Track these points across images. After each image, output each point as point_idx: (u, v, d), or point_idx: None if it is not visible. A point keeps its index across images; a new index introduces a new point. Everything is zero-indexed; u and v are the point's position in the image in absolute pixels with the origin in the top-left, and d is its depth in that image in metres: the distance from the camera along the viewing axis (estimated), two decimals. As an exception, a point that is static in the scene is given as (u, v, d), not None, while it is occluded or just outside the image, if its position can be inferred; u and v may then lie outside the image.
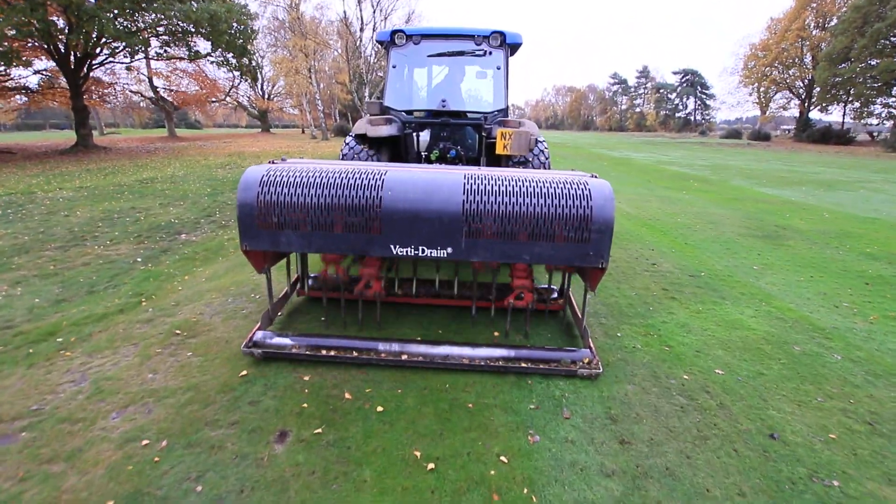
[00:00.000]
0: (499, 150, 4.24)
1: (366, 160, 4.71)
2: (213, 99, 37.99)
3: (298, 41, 32.01)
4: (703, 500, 2.01)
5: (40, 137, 36.11)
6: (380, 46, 7.16)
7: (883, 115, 37.59)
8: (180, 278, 4.71)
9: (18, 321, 3.63)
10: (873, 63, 33.74)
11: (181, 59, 24.15)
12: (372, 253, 2.80)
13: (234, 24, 20.15)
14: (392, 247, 2.76)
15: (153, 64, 30.23)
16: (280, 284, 3.98)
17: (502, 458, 2.21)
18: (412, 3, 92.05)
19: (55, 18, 16.78)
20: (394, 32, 4.93)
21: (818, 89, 40.25)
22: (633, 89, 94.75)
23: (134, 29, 18.19)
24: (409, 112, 4.93)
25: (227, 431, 2.35)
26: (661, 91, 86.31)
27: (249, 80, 34.36)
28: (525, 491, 2.02)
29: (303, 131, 49.50)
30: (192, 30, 19.29)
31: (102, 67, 23.35)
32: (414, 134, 4.82)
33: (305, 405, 2.57)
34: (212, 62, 23.58)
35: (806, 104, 45.85)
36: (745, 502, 2.00)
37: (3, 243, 5.76)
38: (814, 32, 43.45)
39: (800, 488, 2.08)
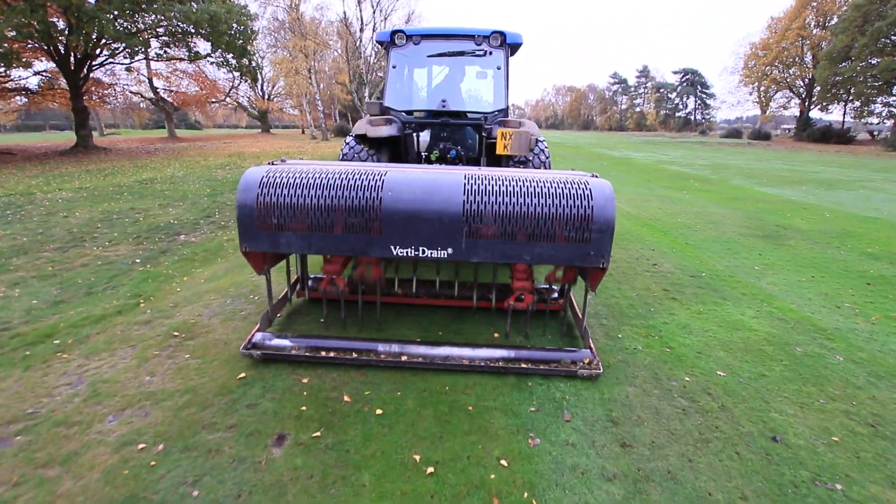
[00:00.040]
0: (499, 151, 4.22)
1: (366, 160, 4.70)
2: (213, 99, 38.00)
3: (298, 42, 32.01)
4: None
5: (40, 138, 36.13)
6: (380, 47, 7.15)
7: (883, 114, 37.55)
8: (179, 279, 4.69)
9: (16, 323, 3.62)
10: (874, 62, 33.70)
11: (181, 59, 24.16)
12: (372, 254, 2.79)
13: (234, 25, 20.13)
14: (392, 247, 2.74)
15: (153, 65, 30.29)
16: (279, 286, 3.96)
17: (502, 461, 2.19)
18: (412, 3, 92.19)
19: (55, 19, 16.79)
20: (394, 33, 4.91)
21: (818, 88, 40.22)
22: (633, 89, 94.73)
23: (134, 30, 18.18)
24: (410, 112, 4.91)
25: (225, 435, 2.33)
26: (662, 90, 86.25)
27: (249, 81, 34.40)
28: (525, 495, 2.00)
29: (303, 132, 49.50)
30: (192, 31, 19.28)
31: (102, 68, 23.37)
32: (414, 134, 4.80)
33: (304, 408, 2.55)
34: (212, 63, 23.55)
35: (806, 103, 45.81)
36: (747, 506, 1.98)
37: (1, 244, 5.75)
38: (814, 31, 43.41)
39: (802, 492, 2.06)
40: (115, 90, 28.73)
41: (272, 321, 3.50)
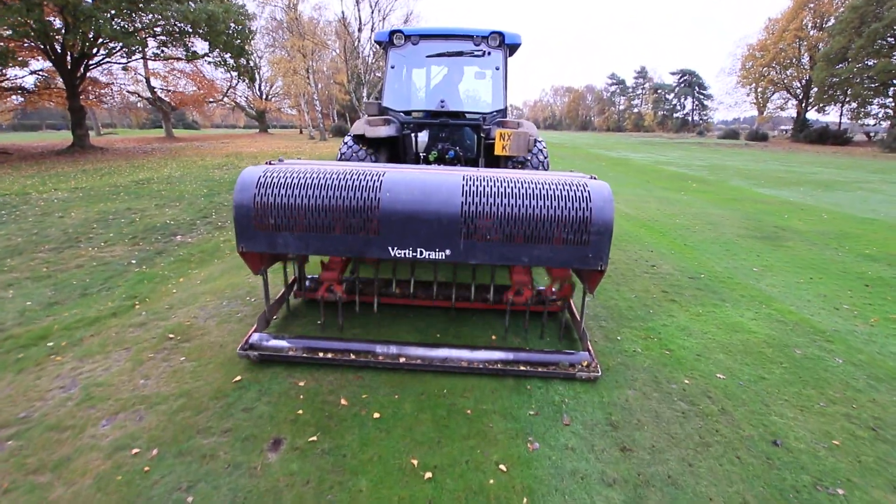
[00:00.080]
0: (497, 151, 4.20)
1: (364, 161, 4.67)
2: (211, 99, 37.90)
3: (296, 41, 31.93)
4: (705, 509, 1.97)
5: (36, 138, 35.96)
6: (378, 47, 7.12)
7: (880, 115, 37.73)
8: (175, 281, 4.65)
9: (9, 325, 3.57)
10: (870, 63, 33.85)
11: (178, 59, 24.07)
12: (370, 254, 2.76)
13: (232, 25, 20.07)
14: (390, 248, 2.72)
15: (150, 64, 30.17)
16: (277, 287, 3.93)
17: (501, 466, 2.16)
18: (410, 3, 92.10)
19: (52, 18, 16.69)
20: (392, 33, 4.89)
21: (815, 90, 40.38)
22: (630, 90, 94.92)
23: (131, 29, 18.10)
24: (408, 112, 4.89)
25: (220, 439, 2.29)
26: (659, 91, 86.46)
27: (247, 81, 34.23)
28: (525, 501, 1.98)
29: (301, 132, 49.40)
30: (190, 30, 19.20)
31: (99, 68, 23.24)
32: (412, 134, 4.78)
33: (300, 412, 2.52)
34: (209, 62, 23.48)
35: (803, 104, 45.96)
36: (748, 512, 1.96)
37: (-5, 245, 5.69)
38: (811, 33, 43.56)
39: (804, 497, 2.04)
40: (111, 89, 28.63)
41: (269, 322, 3.47)
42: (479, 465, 2.17)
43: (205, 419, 2.45)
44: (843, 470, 2.20)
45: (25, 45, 18.05)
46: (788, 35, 43.64)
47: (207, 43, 20.41)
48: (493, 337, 3.48)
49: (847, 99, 38.35)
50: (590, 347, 3.11)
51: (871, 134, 42.43)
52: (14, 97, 23.97)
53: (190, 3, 17.89)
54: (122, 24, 17.61)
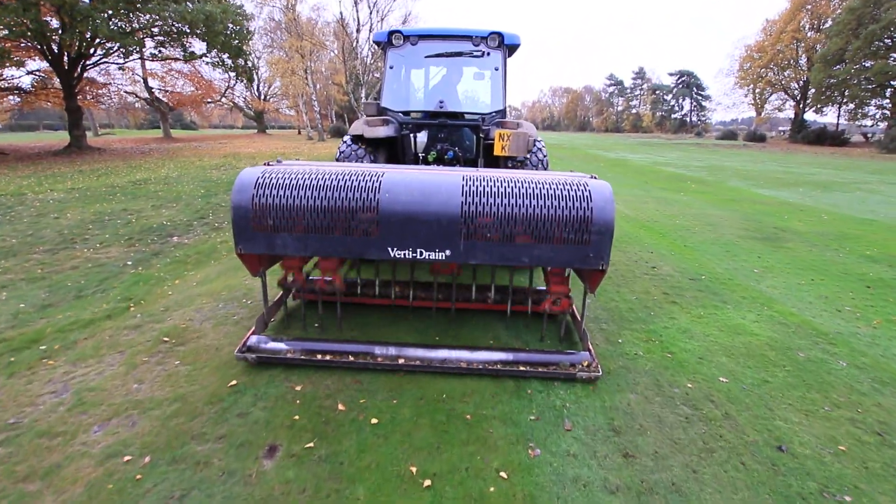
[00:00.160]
0: (497, 152, 4.17)
1: (363, 161, 4.63)
2: (209, 100, 37.77)
3: (295, 42, 31.88)
4: (711, 517, 1.93)
5: (33, 138, 35.82)
6: (377, 47, 7.08)
7: (877, 116, 37.86)
8: (171, 282, 4.60)
9: (1, 327, 3.52)
10: (867, 65, 33.95)
11: (176, 59, 24.00)
12: (369, 255, 2.73)
13: (230, 25, 20.01)
14: (389, 249, 2.69)
15: (148, 64, 30.04)
16: (275, 289, 3.88)
17: (502, 473, 2.12)
18: (409, 4, 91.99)
19: (48, 18, 16.62)
20: (391, 33, 4.85)
21: (813, 91, 40.50)
22: (629, 90, 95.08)
23: (128, 29, 18.03)
24: (407, 113, 4.85)
25: (214, 446, 2.24)
26: (658, 92, 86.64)
27: (245, 81, 34.15)
28: (526, 509, 1.93)
29: (299, 132, 49.31)
30: (188, 30, 19.14)
31: (96, 68, 23.17)
32: (411, 135, 4.74)
33: (297, 417, 2.47)
34: (207, 63, 23.43)
35: (801, 105, 46.07)
36: (754, 519, 1.92)
37: (-11, 247, 5.63)
38: (809, 34, 43.67)
39: (811, 504, 2.00)
40: (109, 90, 28.56)
41: (267, 324, 3.43)
42: (479, 473, 2.12)
43: (199, 425, 2.40)
44: (849, 476, 2.16)
45: (22, 44, 17.97)
46: (786, 36, 43.75)
47: (205, 43, 20.36)
48: (492, 342, 3.43)
49: (844, 100, 38.47)
50: (590, 347, 3.08)
51: (869, 135, 42.56)
52: (11, 97, 23.91)
53: (188, 3, 17.83)
54: (120, 24, 17.55)
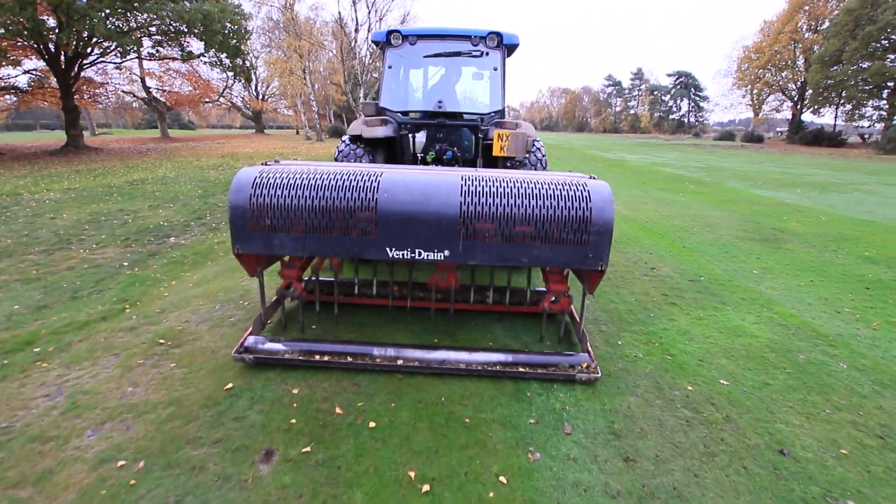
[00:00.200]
0: (496, 152, 4.15)
1: (361, 161, 4.61)
2: (207, 99, 37.62)
3: (293, 42, 31.83)
4: (712, 522, 1.90)
5: (30, 138, 35.66)
6: (375, 47, 7.06)
7: (874, 117, 37.96)
8: (167, 283, 4.56)
9: (-5, 330, 3.48)
10: (864, 66, 34.06)
11: (174, 59, 23.92)
12: (368, 255, 2.71)
13: (228, 25, 19.96)
14: (388, 249, 2.68)
15: (146, 64, 29.90)
16: (272, 290, 3.84)
17: (501, 478, 2.09)
18: (407, 4, 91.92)
19: (45, 17, 16.52)
20: (390, 33, 4.82)
21: (810, 92, 40.57)
22: (627, 91, 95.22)
23: (126, 28, 17.95)
24: (405, 113, 4.83)
25: (210, 450, 2.21)
26: (655, 93, 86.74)
27: (243, 81, 34.06)
28: (525, 514, 1.91)
29: (297, 132, 49.22)
30: (185, 30, 19.08)
31: (94, 67, 23.06)
32: (410, 135, 4.71)
33: (294, 421, 2.44)
34: (205, 62, 23.35)
35: (798, 106, 46.17)
36: (756, 525, 1.90)
37: (-16, 247, 5.58)
38: (806, 35, 43.79)
39: (813, 509, 1.98)
40: (106, 89, 28.39)
41: (265, 324, 3.40)
42: (478, 477, 2.10)
43: (194, 429, 2.36)
44: (852, 480, 2.14)
45: (18, 44, 17.85)
46: (784, 37, 43.86)
47: (203, 43, 20.31)
48: (491, 343, 3.40)
49: (842, 101, 38.58)
50: (589, 349, 3.07)
51: (866, 136, 42.69)
52: (7, 97, 23.73)
53: (185, 2, 17.77)
54: (117, 23, 17.47)
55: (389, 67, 4.93)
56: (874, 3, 32.34)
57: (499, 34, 4.73)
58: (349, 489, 2.01)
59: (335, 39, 35.80)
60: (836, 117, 42.20)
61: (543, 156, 4.79)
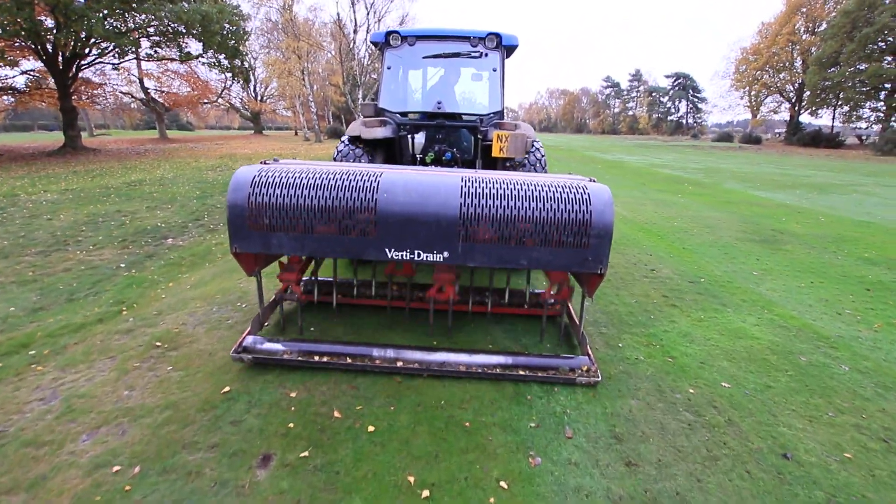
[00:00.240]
0: (495, 153, 4.13)
1: (360, 162, 4.58)
2: (205, 100, 37.58)
3: (291, 43, 31.81)
4: (716, 528, 1.88)
5: (28, 139, 35.56)
6: (374, 48, 7.04)
7: (871, 118, 38.09)
8: (164, 285, 4.53)
9: (-11, 332, 3.44)
10: (862, 67, 34.19)
11: (172, 60, 23.86)
12: (367, 256, 2.69)
13: (226, 25, 19.90)
14: (387, 250, 2.66)
15: (144, 65, 29.87)
16: (270, 290, 3.82)
17: (502, 483, 2.07)
18: (406, 5, 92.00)
19: (43, 18, 16.46)
20: (389, 34, 4.80)
21: (808, 93, 40.71)
22: (625, 92, 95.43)
23: (124, 29, 17.91)
24: (404, 114, 4.80)
25: (207, 455, 2.18)
26: (654, 94, 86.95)
27: (242, 82, 34.04)
28: (527, 520, 1.88)
29: (296, 133, 49.19)
30: (184, 31, 19.01)
31: (92, 68, 23.00)
32: (409, 136, 4.69)
33: (291, 425, 2.41)
34: (203, 63, 23.28)
35: (796, 108, 46.32)
36: (761, 530, 1.87)
37: (-21, 249, 5.54)
38: (804, 37, 43.94)
39: (818, 514, 1.96)
40: (104, 90, 28.32)
41: (263, 325, 3.38)
42: (478, 482, 2.07)
43: (191, 433, 2.33)
44: (856, 484, 2.12)
45: (16, 44, 17.79)
46: (781, 39, 44.02)
47: (201, 44, 20.23)
48: (490, 346, 3.38)
49: (839, 102, 38.72)
50: (589, 352, 3.04)
51: (863, 137, 42.83)
52: (5, 97, 23.68)
53: (183, 3, 17.71)
54: (115, 23, 17.43)
55: (388, 68, 4.91)
56: (871, 5, 32.47)
57: (498, 35, 4.71)
58: (348, 495, 1.98)
59: (334, 40, 35.79)
60: (833, 119, 42.36)
61: (542, 156, 4.77)
